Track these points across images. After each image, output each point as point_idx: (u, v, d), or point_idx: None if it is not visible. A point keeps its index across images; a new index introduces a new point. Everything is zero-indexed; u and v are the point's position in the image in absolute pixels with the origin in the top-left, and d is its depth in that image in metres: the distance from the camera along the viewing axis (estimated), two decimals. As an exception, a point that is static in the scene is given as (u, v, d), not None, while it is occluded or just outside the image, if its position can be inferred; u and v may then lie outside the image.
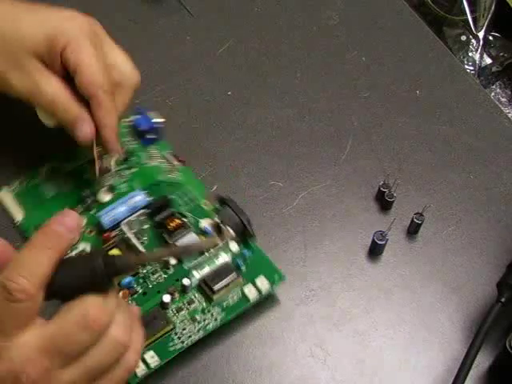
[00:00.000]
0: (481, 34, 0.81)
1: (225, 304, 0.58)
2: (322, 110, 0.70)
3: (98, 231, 0.60)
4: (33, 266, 0.44)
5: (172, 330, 0.56)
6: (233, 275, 0.58)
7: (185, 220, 0.60)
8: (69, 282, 0.45)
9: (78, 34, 0.57)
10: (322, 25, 0.76)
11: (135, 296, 0.58)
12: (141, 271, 0.59)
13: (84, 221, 0.61)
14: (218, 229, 0.60)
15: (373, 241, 0.61)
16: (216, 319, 0.57)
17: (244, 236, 0.60)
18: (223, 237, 0.59)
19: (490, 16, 0.81)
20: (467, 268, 0.62)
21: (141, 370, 0.54)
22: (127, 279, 0.57)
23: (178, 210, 0.61)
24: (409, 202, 0.65)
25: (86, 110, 0.58)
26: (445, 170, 0.67)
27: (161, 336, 0.56)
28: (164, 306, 0.57)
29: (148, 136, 0.65)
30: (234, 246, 0.60)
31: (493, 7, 0.81)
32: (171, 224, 0.59)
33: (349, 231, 0.63)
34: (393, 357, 0.58)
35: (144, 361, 0.55)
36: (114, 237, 0.60)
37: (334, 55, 0.74)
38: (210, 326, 0.57)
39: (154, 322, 0.56)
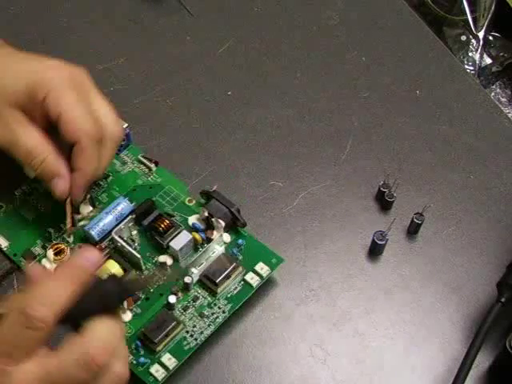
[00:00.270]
0: (481, 34, 0.81)
1: (229, 295, 0.58)
2: (321, 109, 0.70)
3: (86, 245, 0.60)
4: (55, 297, 0.44)
5: (183, 329, 0.56)
6: (232, 265, 0.58)
7: (173, 219, 0.61)
8: (79, 307, 0.45)
9: (59, 83, 0.56)
10: (322, 25, 0.76)
11: (139, 303, 0.58)
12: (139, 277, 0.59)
13: (72, 237, 0.61)
14: (208, 222, 0.60)
15: (373, 241, 0.61)
16: (224, 311, 0.57)
17: (235, 225, 0.61)
18: (217, 230, 0.60)
19: (490, 16, 0.81)
20: (467, 268, 0.62)
21: (161, 374, 0.54)
22: None
23: (164, 211, 0.61)
24: (409, 202, 0.65)
25: (65, 163, 0.58)
26: (445, 170, 0.67)
27: (173, 337, 0.56)
28: (170, 307, 0.57)
29: None
30: (226, 237, 0.60)
31: (493, 7, 0.81)
32: (162, 225, 0.59)
33: (349, 231, 0.63)
34: (393, 357, 0.58)
35: (162, 364, 0.55)
36: (105, 248, 0.60)
37: (334, 55, 0.74)
38: (220, 319, 0.57)
39: (164, 324, 0.56)
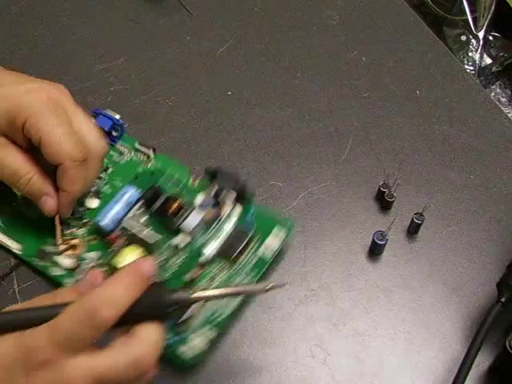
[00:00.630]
0: (481, 34, 0.82)
1: (248, 267, 0.58)
2: (321, 110, 0.70)
3: (99, 237, 0.60)
4: (120, 302, 0.46)
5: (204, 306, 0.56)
6: (247, 238, 0.58)
7: (181, 201, 0.60)
8: (131, 310, 0.46)
9: (37, 107, 0.56)
10: (322, 25, 0.76)
11: None
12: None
13: (82, 230, 0.61)
14: (216, 198, 0.60)
15: (373, 241, 0.61)
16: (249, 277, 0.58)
17: (244, 197, 0.61)
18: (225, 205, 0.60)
19: (490, 16, 0.81)
20: (467, 268, 0.62)
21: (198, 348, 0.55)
22: None
23: (170, 194, 0.61)
24: (409, 201, 0.65)
25: (51, 181, 0.58)
26: (445, 170, 0.67)
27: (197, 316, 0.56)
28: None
29: (114, 134, 0.65)
30: (236, 211, 0.60)
31: (493, 7, 0.81)
32: (172, 208, 0.60)
33: (349, 231, 0.63)
34: (393, 357, 0.58)
35: (198, 338, 0.55)
36: (117, 237, 0.60)
37: (334, 55, 0.74)
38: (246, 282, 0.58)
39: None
